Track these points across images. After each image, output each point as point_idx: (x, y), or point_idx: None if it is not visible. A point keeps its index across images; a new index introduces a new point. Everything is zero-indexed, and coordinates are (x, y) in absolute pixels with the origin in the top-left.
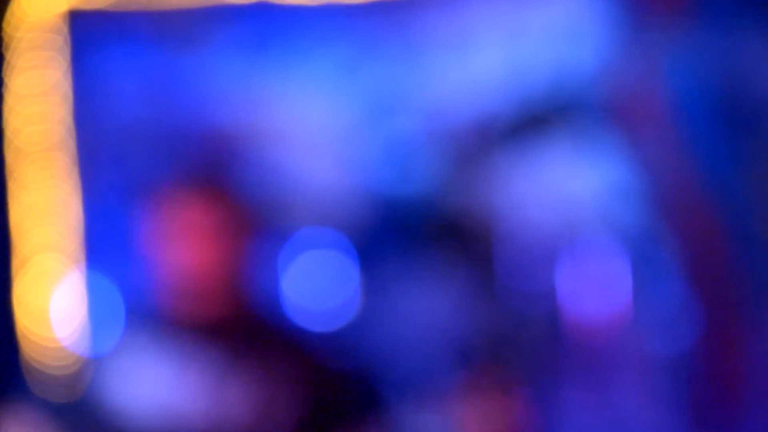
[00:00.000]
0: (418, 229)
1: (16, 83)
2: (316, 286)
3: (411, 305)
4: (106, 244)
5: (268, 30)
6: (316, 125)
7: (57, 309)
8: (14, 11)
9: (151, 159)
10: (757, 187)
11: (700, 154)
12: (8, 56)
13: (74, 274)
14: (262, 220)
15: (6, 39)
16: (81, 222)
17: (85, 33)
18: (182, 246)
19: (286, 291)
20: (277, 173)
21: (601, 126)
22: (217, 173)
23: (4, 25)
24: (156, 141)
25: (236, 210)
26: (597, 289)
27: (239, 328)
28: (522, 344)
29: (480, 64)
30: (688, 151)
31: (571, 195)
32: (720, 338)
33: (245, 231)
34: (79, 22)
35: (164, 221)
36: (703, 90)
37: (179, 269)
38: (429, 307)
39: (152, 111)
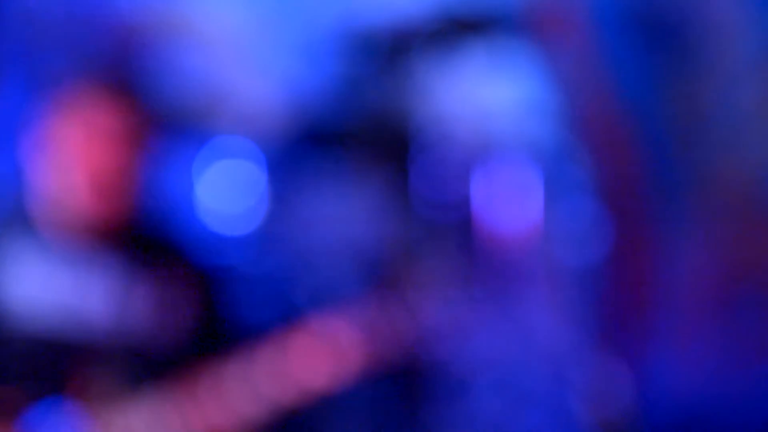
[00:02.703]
0: (331, 133)
1: None
2: (226, 189)
3: (323, 212)
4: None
5: None
6: (225, 22)
7: None
8: None
9: (57, 50)
10: (671, 103)
11: (615, 68)
12: None
13: None
14: (164, 124)
15: None
16: None
17: None
18: (83, 148)
19: (194, 193)
20: (186, 72)
21: (518, 37)
22: (124, 72)
23: None
24: (63, 30)
25: (139, 113)
26: (510, 201)
27: (136, 233)
28: (434, 253)
29: None
30: (603, 65)
31: (487, 105)
32: (630, 253)
33: (147, 136)
34: None
35: (65, 120)
36: (620, 3)
37: (78, 172)
38: (342, 215)
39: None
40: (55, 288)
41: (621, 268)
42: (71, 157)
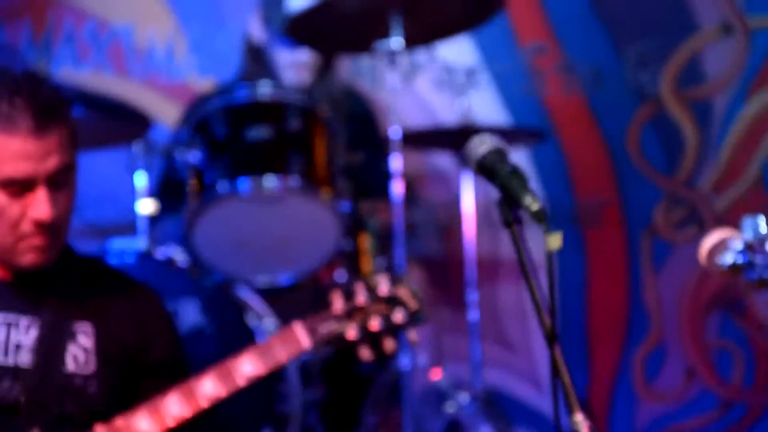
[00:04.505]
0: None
1: None
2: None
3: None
4: None
5: None
6: None
7: None
8: None
9: None
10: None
11: (574, 54)
12: None
13: None
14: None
15: None
16: None
17: None
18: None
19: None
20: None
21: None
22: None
23: None
24: None
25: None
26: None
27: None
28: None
29: None
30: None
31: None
32: (604, 270)
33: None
34: None
35: None
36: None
37: None
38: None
39: None
40: None
41: (595, 286)
42: None
